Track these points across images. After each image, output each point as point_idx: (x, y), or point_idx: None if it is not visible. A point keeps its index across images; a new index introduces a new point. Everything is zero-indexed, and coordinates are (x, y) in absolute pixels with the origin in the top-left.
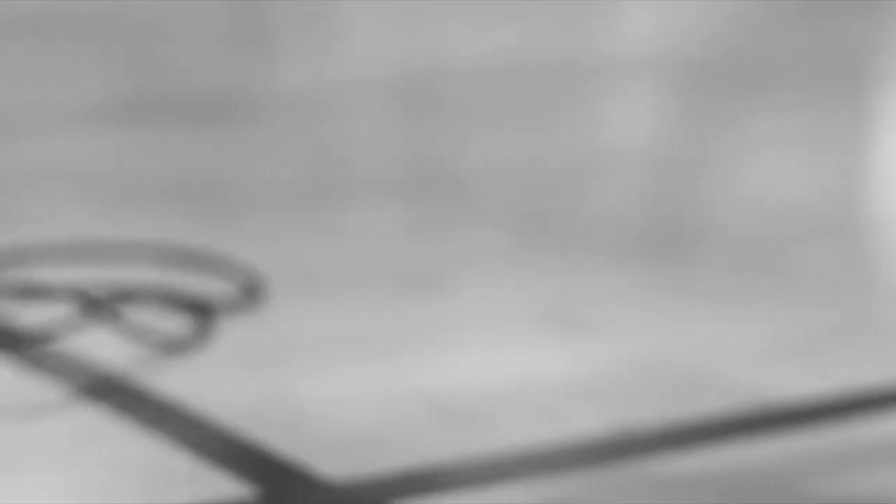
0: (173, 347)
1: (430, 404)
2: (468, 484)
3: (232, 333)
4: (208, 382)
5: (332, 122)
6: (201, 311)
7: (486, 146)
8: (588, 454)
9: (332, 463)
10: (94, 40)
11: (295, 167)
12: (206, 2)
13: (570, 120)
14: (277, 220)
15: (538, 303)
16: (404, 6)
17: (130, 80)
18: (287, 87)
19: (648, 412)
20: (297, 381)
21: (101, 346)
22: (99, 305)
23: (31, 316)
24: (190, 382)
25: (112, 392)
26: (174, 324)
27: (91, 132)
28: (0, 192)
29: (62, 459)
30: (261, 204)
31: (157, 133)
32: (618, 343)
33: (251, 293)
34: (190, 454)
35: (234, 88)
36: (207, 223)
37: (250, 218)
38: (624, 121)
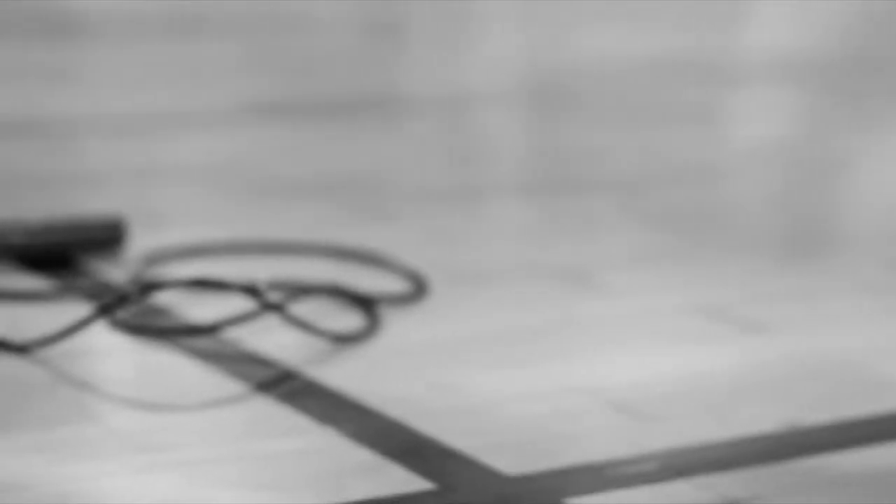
0: (343, 341)
1: (602, 400)
2: (641, 481)
3: (398, 328)
4: (378, 376)
5: (475, 118)
6: (369, 306)
7: (636, 145)
8: (759, 452)
9: (506, 457)
10: (238, 38)
11: (442, 164)
12: (346, 1)
13: (713, 118)
14: (432, 217)
15: (703, 300)
16: (541, 5)
17: (275, 78)
18: (427, 85)
19: (818, 410)
20: (465, 375)
21: (274, 340)
22: (271, 301)
23: (206, 310)
24: (360, 376)
25: (285, 385)
26: (343, 318)
27: (239, 130)
28: (157, 190)
29: (238, 452)
30: (414, 201)
31: (303, 131)
32: (786, 341)
33: (416, 288)
34: (365, 447)
35: (375, 86)
36: (363, 220)
37: (405, 214)
38: (766, 119)
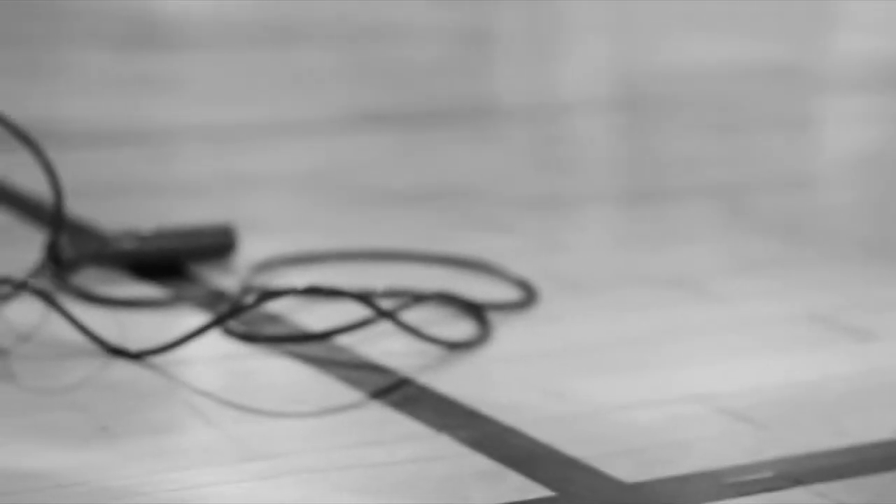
0: (455, 349)
1: (715, 408)
2: (759, 488)
3: (509, 336)
4: (491, 383)
5: (570, 126)
6: (479, 314)
7: (733, 151)
8: (875, 459)
9: (622, 464)
10: (334, 47)
11: (543, 172)
12: (440, 11)
13: (809, 125)
14: (538, 225)
15: (812, 308)
16: (633, 12)
17: (372, 87)
18: (521, 94)
19: None
20: (578, 382)
21: (386, 348)
22: (384, 308)
23: (318, 318)
24: (473, 383)
25: (400, 392)
26: (455, 326)
27: (339, 139)
28: (258, 198)
29: (356, 458)
30: (518, 209)
31: (401, 139)
32: None
33: (526, 296)
34: (482, 454)
35: (470, 95)
36: (471, 229)
37: (512, 223)
38: (864, 124)
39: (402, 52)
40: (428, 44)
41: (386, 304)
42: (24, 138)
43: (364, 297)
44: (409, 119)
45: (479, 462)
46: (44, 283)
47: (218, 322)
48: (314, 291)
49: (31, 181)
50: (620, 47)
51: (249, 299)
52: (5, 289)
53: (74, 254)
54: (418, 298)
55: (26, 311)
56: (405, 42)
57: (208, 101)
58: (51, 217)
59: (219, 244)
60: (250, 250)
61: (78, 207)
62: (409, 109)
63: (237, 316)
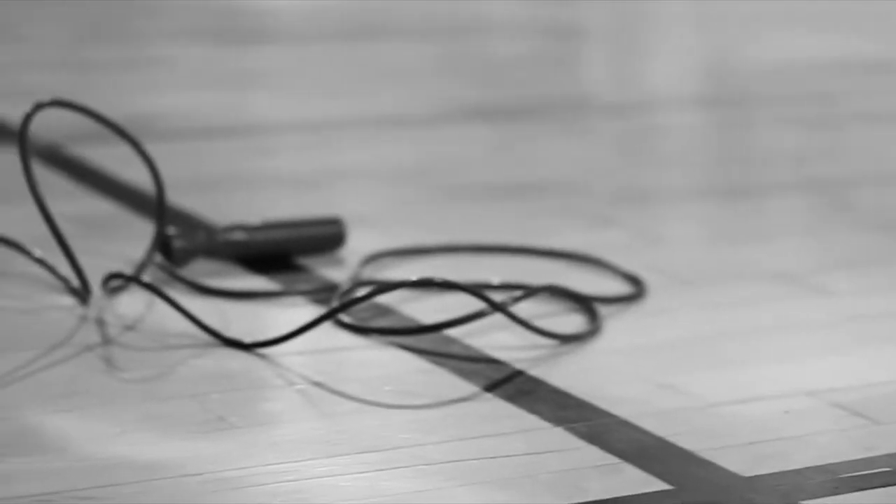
0: (567, 341)
1: (828, 402)
2: (876, 483)
3: (619, 329)
4: (604, 376)
5: (663, 120)
6: (589, 308)
7: (829, 146)
8: None
9: (738, 458)
10: (428, 41)
11: (640, 167)
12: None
13: None
14: (643, 220)
15: None
16: (723, 6)
17: (467, 81)
18: (611, 87)
19: None
20: (689, 376)
21: (499, 341)
22: (496, 301)
23: (428, 310)
24: (586, 376)
25: (514, 384)
26: (564, 319)
27: (436, 132)
28: (357, 192)
29: (472, 450)
30: (620, 203)
31: (497, 133)
32: None
33: (635, 290)
34: (598, 447)
35: (559, 89)
36: (572, 221)
37: (617, 217)
38: None
39: (493, 46)
40: (518, 39)
41: (496, 297)
42: (122, 133)
43: (477, 290)
44: (502, 113)
45: (596, 455)
46: (155, 276)
47: (332, 314)
48: (427, 284)
49: (141, 174)
50: (710, 42)
51: (361, 291)
52: (117, 282)
53: (185, 246)
54: (530, 292)
55: (138, 304)
56: (495, 37)
57: (305, 95)
58: (158, 211)
59: (329, 236)
60: (354, 243)
61: (186, 200)
62: (502, 104)
63: (350, 308)
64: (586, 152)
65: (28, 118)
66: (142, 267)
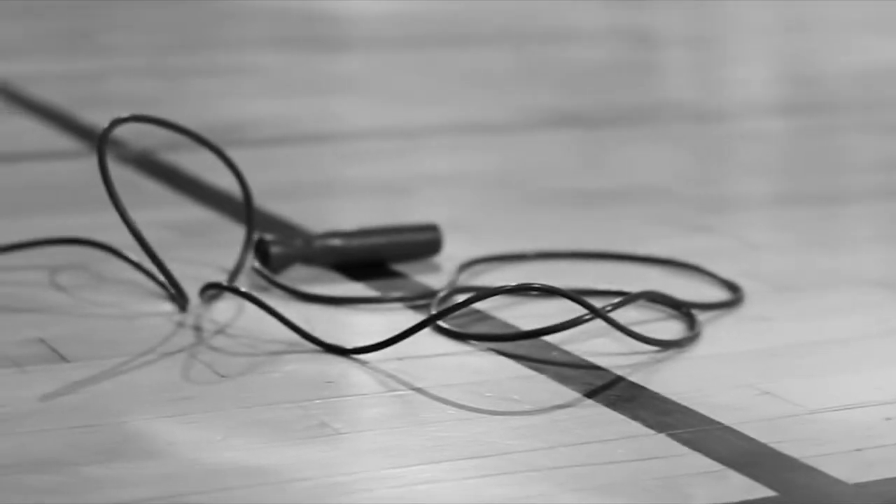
0: (667, 348)
1: None
2: None
3: (718, 335)
4: (704, 383)
5: (745, 127)
6: (688, 314)
7: None
8: None
9: (842, 465)
10: (507, 48)
11: (722, 172)
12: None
13: None
14: (739, 226)
15: None
16: (803, 12)
17: (547, 87)
18: (692, 93)
19: None
20: (791, 383)
21: (598, 347)
22: (595, 307)
23: (523, 316)
24: (687, 382)
25: (614, 391)
26: (663, 325)
27: (520, 139)
28: (454, 199)
29: (576, 456)
30: (705, 208)
31: (582, 139)
32: None
33: (733, 296)
34: (701, 454)
35: (640, 96)
36: (664, 227)
37: (712, 224)
38: None
39: (574, 53)
40: (598, 45)
41: (597, 303)
42: (204, 142)
43: (577, 297)
44: (588, 120)
45: (700, 462)
46: (253, 282)
47: (432, 320)
48: (527, 290)
49: (234, 181)
50: (794, 47)
51: (459, 298)
52: (215, 291)
53: (282, 252)
54: (630, 298)
55: (236, 310)
56: (575, 43)
57: (391, 101)
58: (247, 217)
59: (426, 243)
60: (446, 249)
61: (277, 207)
62: (587, 110)
63: (451, 314)
64: (673, 159)
65: (105, 133)
66: (236, 272)
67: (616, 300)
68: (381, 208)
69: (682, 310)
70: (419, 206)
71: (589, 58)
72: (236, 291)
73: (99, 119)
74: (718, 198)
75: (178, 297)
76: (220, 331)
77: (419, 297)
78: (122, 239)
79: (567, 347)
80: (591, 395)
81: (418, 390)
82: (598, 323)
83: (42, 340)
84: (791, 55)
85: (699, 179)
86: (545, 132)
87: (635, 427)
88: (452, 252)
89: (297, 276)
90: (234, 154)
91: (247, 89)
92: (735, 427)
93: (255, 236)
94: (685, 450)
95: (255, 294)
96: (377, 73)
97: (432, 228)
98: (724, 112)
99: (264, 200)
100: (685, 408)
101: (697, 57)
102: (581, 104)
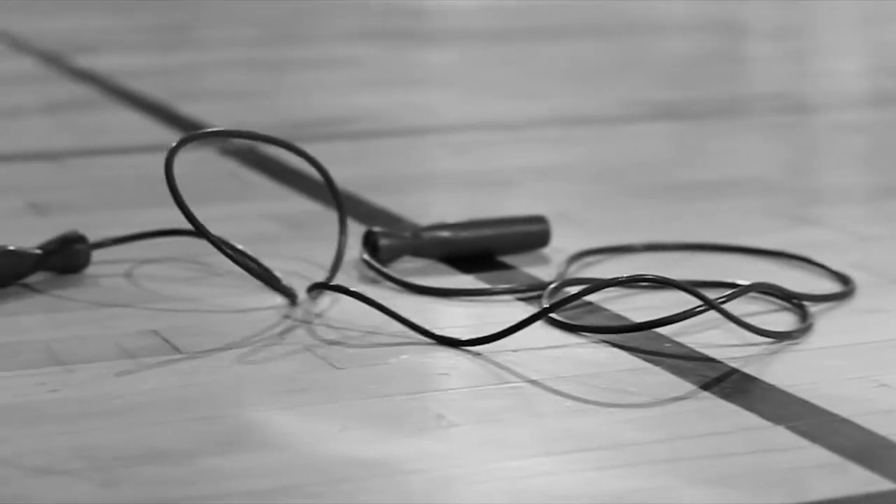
0: (780, 339)
1: None
2: None
3: (831, 328)
4: (820, 375)
5: (842, 119)
6: (800, 306)
7: None
8: None
9: None
10: (602, 40)
11: (825, 164)
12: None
13: None
14: (848, 218)
15: None
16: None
17: (646, 80)
18: (775, 86)
19: None
20: None
21: (711, 338)
22: (709, 299)
23: (639, 308)
24: (802, 374)
25: (730, 383)
26: (775, 317)
27: (626, 130)
28: (560, 191)
29: (693, 449)
30: (812, 200)
31: (683, 131)
32: None
33: (844, 288)
34: (820, 446)
35: (736, 87)
36: (782, 220)
37: (822, 216)
38: None
39: (669, 45)
40: (692, 37)
41: (710, 294)
42: (278, 143)
43: (692, 288)
44: (687, 111)
45: (819, 454)
46: (363, 274)
47: (546, 312)
48: (640, 281)
49: (340, 171)
50: (884, 39)
51: (571, 289)
52: (323, 289)
53: (391, 244)
54: (743, 289)
55: (346, 302)
56: (671, 35)
57: (490, 94)
58: (339, 216)
59: (535, 234)
60: (554, 240)
61: (381, 199)
62: (686, 102)
63: (564, 306)
64: (770, 150)
65: (173, 153)
66: (335, 268)
67: (727, 292)
68: (479, 201)
69: (794, 302)
70: (519, 198)
71: (683, 50)
72: (344, 291)
73: (197, 112)
74: (819, 189)
75: (287, 292)
76: (331, 323)
77: (529, 289)
78: (228, 230)
79: (679, 339)
80: (706, 387)
81: (532, 382)
82: (709, 314)
83: (155, 332)
84: (884, 46)
85: (798, 171)
86: (648, 124)
87: (752, 419)
88: (557, 244)
89: (406, 267)
90: (332, 147)
91: (344, 82)
92: (853, 419)
93: (342, 235)
94: (804, 442)
95: (365, 288)
96: (474, 65)
97: (541, 220)
98: (818, 104)
99: (368, 192)
100: (802, 400)
101: (790, 48)
102: (680, 95)
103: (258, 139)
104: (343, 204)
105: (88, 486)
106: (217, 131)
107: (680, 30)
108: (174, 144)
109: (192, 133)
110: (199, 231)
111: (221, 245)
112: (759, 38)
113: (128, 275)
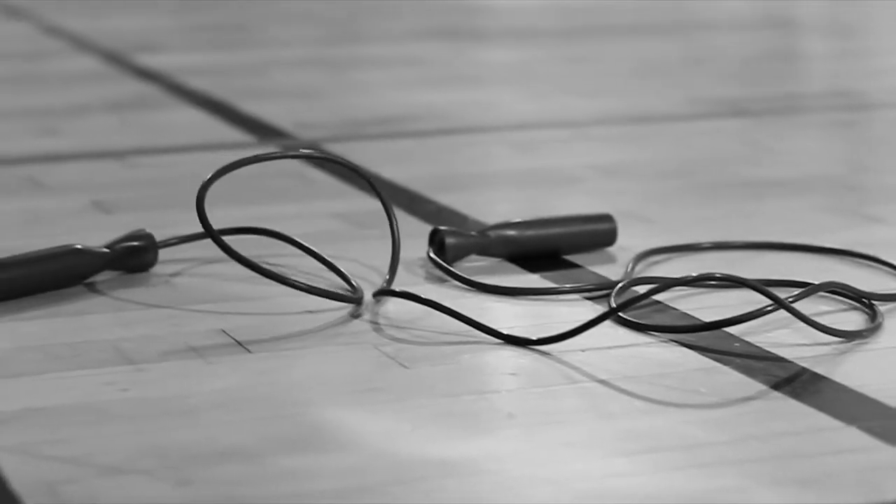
0: (850, 339)
1: None
2: None
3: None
4: (892, 374)
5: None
6: (869, 305)
7: None
8: None
9: None
10: (666, 38)
11: (891, 161)
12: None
13: None
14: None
15: None
16: None
17: (707, 77)
18: (847, 85)
19: None
20: None
21: (779, 338)
22: (777, 298)
23: (707, 307)
24: (873, 374)
25: (800, 382)
26: (842, 316)
27: (692, 128)
28: (627, 189)
29: (765, 449)
30: (880, 198)
31: (750, 128)
32: None
33: None
34: (893, 447)
35: (798, 86)
36: (848, 219)
37: (877, 212)
38: None
39: (728, 42)
40: (756, 34)
41: (778, 294)
42: (327, 159)
43: (762, 287)
44: (754, 109)
45: (893, 455)
46: (429, 273)
47: (615, 311)
48: (709, 280)
49: (400, 171)
50: None
51: (638, 288)
52: (388, 295)
53: (457, 243)
54: (812, 289)
55: (412, 303)
56: (735, 33)
57: (553, 92)
58: (389, 222)
59: (601, 233)
60: (620, 239)
61: (445, 198)
62: (752, 100)
63: (633, 306)
64: (836, 148)
65: (206, 186)
66: (392, 273)
67: (795, 291)
68: (543, 199)
69: (864, 301)
70: (583, 196)
71: (743, 47)
72: (408, 297)
73: (260, 110)
74: (883, 187)
75: (354, 292)
76: (398, 323)
77: (597, 288)
78: (294, 229)
79: (748, 338)
80: (776, 386)
81: (602, 382)
82: (778, 314)
83: (224, 331)
84: None
85: (861, 169)
86: (715, 122)
87: (824, 419)
88: (623, 243)
89: (472, 266)
90: (395, 145)
91: (408, 80)
92: None
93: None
94: (877, 443)
95: (430, 287)
96: (538, 64)
97: (608, 219)
98: (878, 101)
99: (431, 191)
100: (873, 400)
101: (846, 46)
102: (747, 93)
103: (294, 157)
104: (392, 210)
105: (162, 486)
106: (247, 159)
107: (739, 27)
108: (207, 178)
109: (225, 166)
110: (272, 234)
111: (305, 247)
112: (816, 35)
113: (195, 274)
